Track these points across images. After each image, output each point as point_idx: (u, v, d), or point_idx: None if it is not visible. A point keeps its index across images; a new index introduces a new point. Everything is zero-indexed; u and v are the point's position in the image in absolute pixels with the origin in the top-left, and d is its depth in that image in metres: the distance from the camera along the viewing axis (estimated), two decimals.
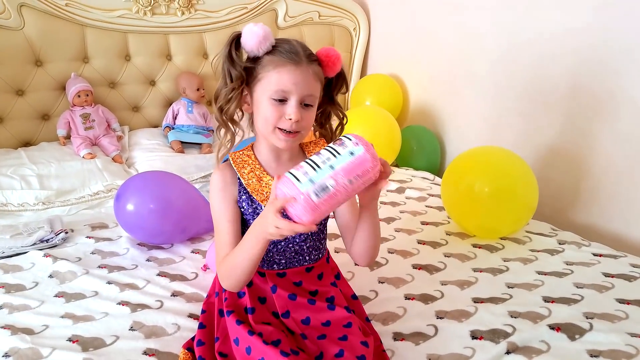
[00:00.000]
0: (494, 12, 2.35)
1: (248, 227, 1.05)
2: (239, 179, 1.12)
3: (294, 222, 0.89)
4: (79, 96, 2.37)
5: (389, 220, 1.99)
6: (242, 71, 1.08)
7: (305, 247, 1.18)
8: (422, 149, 2.68)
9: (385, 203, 2.16)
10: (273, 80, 1.05)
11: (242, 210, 1.12)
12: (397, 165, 2.66)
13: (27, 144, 2.43)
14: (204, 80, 2.69)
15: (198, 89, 2.62)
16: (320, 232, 1.21)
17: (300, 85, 1.05)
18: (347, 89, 1.20)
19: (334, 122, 1.22)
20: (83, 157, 2.27)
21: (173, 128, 2.59)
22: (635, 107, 1.87)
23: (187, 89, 2.61)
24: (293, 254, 1.18)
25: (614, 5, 1.88)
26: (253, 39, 1.04)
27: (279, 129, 1.07)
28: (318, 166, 0.89)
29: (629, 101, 1.88)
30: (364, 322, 1.23)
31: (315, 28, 2.99)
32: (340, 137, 0.95)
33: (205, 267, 1.56)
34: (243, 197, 1.11)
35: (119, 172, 2.22)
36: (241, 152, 1.16)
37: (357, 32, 3.12)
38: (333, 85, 1.17)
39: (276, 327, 1.11)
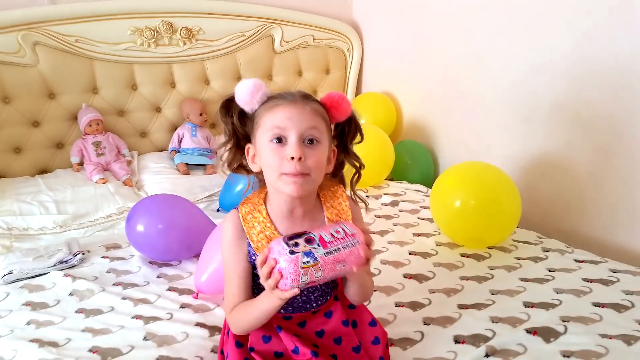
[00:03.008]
0: (481, 34, 2.45)
1: (257, 280, 1.04)
2: (248, 240, 1.06)
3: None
4: (90, 125, 2.47)
5: (383, 232, 2.05)
6: (233, 125, 1.06)
7: (312, 297, 1.14)
8: (416, 162, 2.77)
9: (379, 216, 2.23)
10: (268, 122, 1.00)
11: (252, 263, 1.08)
12: (392, 179, 2.73)
13: (43, 171, 2.51)
14: (206, 105, 2.77)
15: (201, 114, 2.71)
16: (330, 282, 1.17)
17: (296, 120, 0.98)
18: (362, 137, 1.12)
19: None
20: (96, 182, 2.35)
21: (179, 151, 2.67)
22: (612, 119, 1.96)
23: (190, 114, 2.70)
24: (300, 303, 1.13)
25: (592, 22, 2.00)
26: (244, 90, 1.01)
27: (285, 174, 0.98)
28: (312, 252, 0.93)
29: (605, 113, 1.98)
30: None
31: (310, 50, 3.10)
32: (341, 225, 0.98)
33: (197, 295, 1.59)
34: (252, 257, 1.06)
35: (130, 195, 2.31)
36: (252, 207, 1.09)
37: (351, 52, 3.23)
38: (346, 133, 1.11)
39: None
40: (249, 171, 1.11)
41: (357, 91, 3.36)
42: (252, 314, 1.03)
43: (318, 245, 0.93)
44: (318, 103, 1.05)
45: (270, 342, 1.11)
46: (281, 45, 3.00)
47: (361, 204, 1.17)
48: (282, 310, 1.10)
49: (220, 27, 2.79)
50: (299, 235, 0.95)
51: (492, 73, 2.44)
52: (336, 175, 1.16)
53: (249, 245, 1.06)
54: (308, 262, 0.91)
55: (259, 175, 1.09)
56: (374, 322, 1.23)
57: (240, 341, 1.12)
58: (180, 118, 2.80)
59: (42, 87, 2.45)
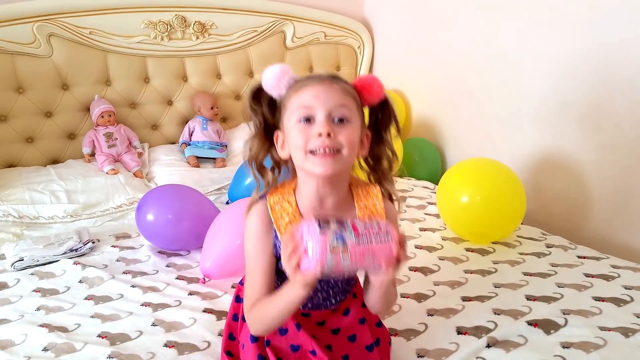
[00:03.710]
0: (491, 34, 2.46)
1: (280, 271, 1.01)
2: (275, 230, 1.02)
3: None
4: (102, 117, 2.50)
5: None
6: (263, 114, 1.02)
7: (332, 292, 1.13)
8: (424, 160, 2.78)
9: None
10: (294, 103, 0.96)
11: (277, 257, 1.03)
12: (400, 176, 2.73)
13: (55, 161, 2.54)
14: (217, 99, 2.80)
15: (212, 108, 2.72)
16: (350, 279, 1.16)
17: (323, 98, 0.94)
18: (398, 128, 1.05)
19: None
20: (107, 173, 2.38)
21: (189, 144, 2.69)
22: (617, 119, 1.97)
23: (201, 108, 2.72)
24: (320, 299, 1.12)
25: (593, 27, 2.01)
26: (270, 75, 0.98)
27: (311, 152, 0.94)
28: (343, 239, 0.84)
29: (610, 113, 1.99)
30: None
31: (321, 47, 3.12)
32: (376, 220, 0.89)
33: (204, 281, 1.63)
34: (278, 250, 1.01)
35: (140, 186, 2.34)
36: (281, 197, 1.04)
37: (362, 50, 3.24)
38: (379, 120, 1.05)
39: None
40: (273, 169, 1.06)
41: None
42: (272, 309, 0.97)
43: (350, 231, 0.85)
44: (348, 84, 1.00)
45: (287, 334, 1.10)
46: (293, 42, 3.02)
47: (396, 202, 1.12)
48: (301, 307, 1.08)
49: (233, 22, 2.82)
50: (331, 218, 0.87)
51: (500, 72, 2.45)
52: (375, 170, 1.09)
53: (276, 237, 1.02)
54: (337, 245, 0.83)
55: (289, 162, 1.05)
56: (380, 324, 1.25)
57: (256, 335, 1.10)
58: (191, 111, 2.81)
59: (55, 78, 2.47)
